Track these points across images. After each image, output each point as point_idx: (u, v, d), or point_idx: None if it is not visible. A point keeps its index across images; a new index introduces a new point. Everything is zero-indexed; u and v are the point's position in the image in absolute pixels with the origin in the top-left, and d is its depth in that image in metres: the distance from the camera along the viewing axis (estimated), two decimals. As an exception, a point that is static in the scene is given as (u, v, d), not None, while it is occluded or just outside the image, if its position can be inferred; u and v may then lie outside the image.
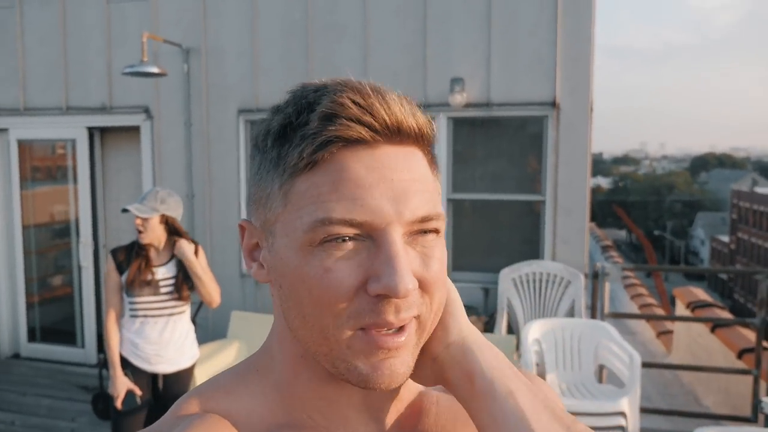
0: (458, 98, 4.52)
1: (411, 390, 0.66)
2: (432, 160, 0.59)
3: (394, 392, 0.62)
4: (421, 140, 0.56)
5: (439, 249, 0.56)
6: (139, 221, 2.84)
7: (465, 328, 0.60)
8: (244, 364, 0.64)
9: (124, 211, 2.85)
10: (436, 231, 0.56)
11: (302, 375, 0.60)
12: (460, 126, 4.80)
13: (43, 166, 5.91)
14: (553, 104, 4.48)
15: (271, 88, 5.03)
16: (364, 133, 0.52)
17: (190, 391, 0.62)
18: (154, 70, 4.39)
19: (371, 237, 0.52)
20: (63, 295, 5.83)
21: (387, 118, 0.52)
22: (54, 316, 5.88)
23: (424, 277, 0.54)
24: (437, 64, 4.67)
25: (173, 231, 2.95)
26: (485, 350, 0.58)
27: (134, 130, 5.42)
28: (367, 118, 0.52)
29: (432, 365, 0.59)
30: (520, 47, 4.53)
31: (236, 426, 0.57)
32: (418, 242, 0.54)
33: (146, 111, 5.31)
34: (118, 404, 2.82)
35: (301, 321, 0.55)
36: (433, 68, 4.68)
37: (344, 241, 0.52)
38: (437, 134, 0.60)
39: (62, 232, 5.80)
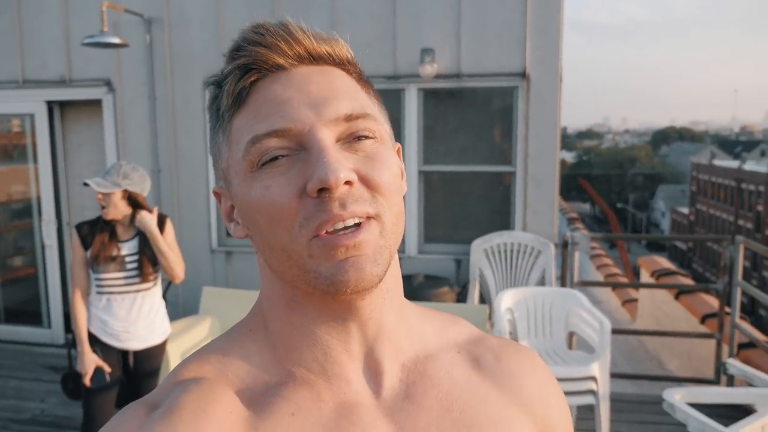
0: (428, 69, 4.49)
1: (418, 345, 0.64)
2: (363, 81, 0.61)
3: (392, 338, 0.61)
4: (340, 62, 0.58)
5: (384, 154, 0.56)
6: (100, 196, 2.76)
7: None
8: (238, 326, 0.64)
9: (85, 185, 2.76)
10: (374, 136, 0.56)
11: (294, 322, 0.59)
12: (430, 97, 4.78)
13: (-1, 145, 5.70)
14: (523, 75, 4.49)
15: (237, 60, 4.91)
16: (273, 56, 0.55)
17: (187, 356, 0.62)
18: (115, 40, 4.24)
19: (303, 147, 0.54)
20: (26, 275, 5.67)
21: (293, 42, 0.56)
22: (18, 297, 5.73)
23: (371, 177, 0.54)
24: (407, 34, 4.62)
25: (137, 206, 2.86)
26: None
27: (96, 103, 5.25)
28: (273, 41, 0.55)
29: None
30: (489, 18, 4.51)
31: (233, 387, 0.57)
32: (357, 148, 0.55)
33: (108, 84, 5.15)
34: (87, 381, 2.77)
35: (269, 251, 0.56)
36: (403, 39, 4.63)
37: (278, 158, 0.54)
38: (357, 63, 0.61)
39: (23, 211, 5.63)
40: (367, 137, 0.56)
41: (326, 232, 0.52)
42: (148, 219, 2.81)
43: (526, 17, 4.43)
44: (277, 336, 0.60)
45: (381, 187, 0.54)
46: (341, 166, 0.51)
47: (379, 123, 0.57)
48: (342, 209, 0.52)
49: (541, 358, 0.71)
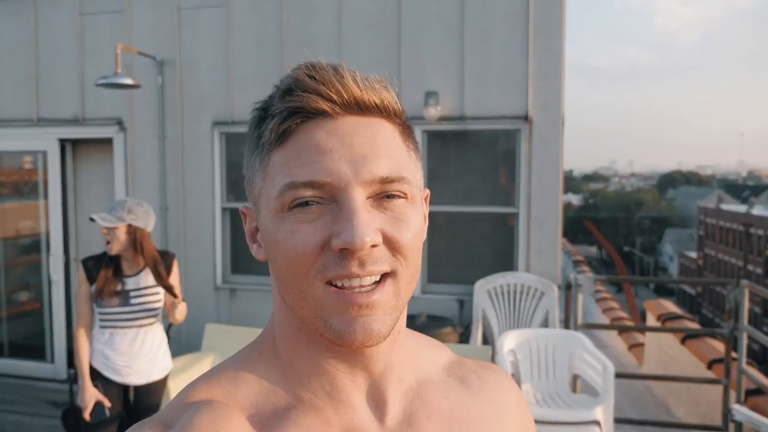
0: (432, 111, 4.58)
1: (418, 374, 0.67)
2: (405, 133, 0.62)
3: (395, 372, 0.63)
4: (386, 113, 0.59)
5: (411, 215, 0.58)
6: (105, 231, 2.81)
7: None
8: (248, 349, 0.66)
9: (91, 220, 2.82)
10: (405, 196, 0.58)
11: (302, 351, 0.61)
12: (435, 139, 4.86)
13: (10, 182, 5.80)
14: (526, 118, 4.57)
15: (246, 101, 5.03)
16: (321, 103, 0.56)
17: (196, 378, 0.63)
18: (128, 81, 4.37)
19: (335, 200, 0.55)
20: (32, 309, 5.69)
21: (342, 90, 0.56)
22: (23, 331, 5.75)
23: (395, 238, 0.56)
24: (411, 77, 4.73)
25: (136, 242, 2.88)
26: None
27: (107, 142, 5.37)
28: (323, 89, 0.56)
29: None
30: (492, 62, 4.62)
31: (243, 410, 0.58)
32: (386, 206, 0.57)
33: (119, 123, 5.27)
34: (87, 416, 2.76)
35: (284, 287, 0.58)
36: (407, 82, 4.74)
37: (309, 204, 0.55)
38: (404, 111, 0.62)
39: (32, 246, 5.69)
40: (398, 197, 0.57)
41: (342, 286, 0.55)
42: (183, 311, 2.88)
43: (528, 62, 4.54)
44: (286, 360, 0.62)
45: (402, 247, 0.57)
46: (368, 230, 0.53)
47: (412, 185, 0.58)
48: (360, 269, 0.54)
49: (506, 374, 0.77)
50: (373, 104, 0.58)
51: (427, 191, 0.67)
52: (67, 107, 5.35)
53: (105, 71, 4.92)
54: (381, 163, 0.56)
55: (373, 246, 0.54)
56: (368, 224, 0.54)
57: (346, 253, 0.54)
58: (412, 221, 0.58)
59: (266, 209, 0.59)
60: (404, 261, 0.57)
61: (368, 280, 0.55)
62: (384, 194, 0.57)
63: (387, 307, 0.56)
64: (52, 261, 5.42)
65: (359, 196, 0.55)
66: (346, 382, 0.61)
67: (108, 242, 2.81)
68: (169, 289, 2.92)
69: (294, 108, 0.56)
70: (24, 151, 5.58)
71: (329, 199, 0.55)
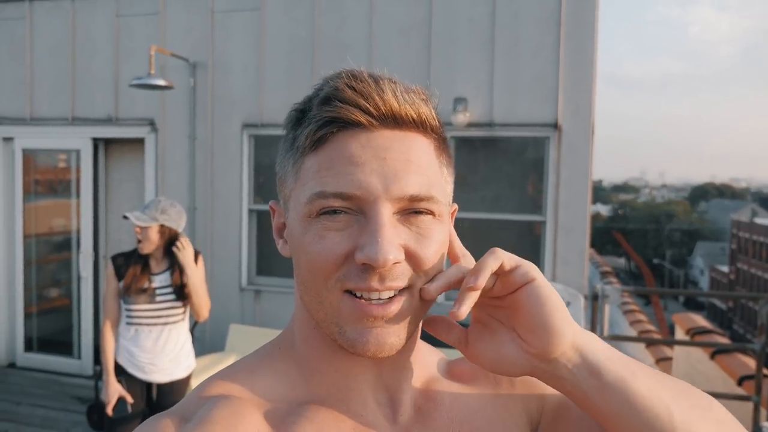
0: (461, 118, 4.56)
1: (425, 373, 0.69)
2: (440, 148, 0.61)
3: (406, 372, 0.65)
4: (422, 127, 0.59)
5: (436, 231, 0.59)
6: (137, 230, 2.85)
7: (575, 329, 0.59)
8: (269, 345, 0.67)
9: (125, 217, 2.86)
10: (432, 213, 0.58)
11: (318, 348, 0.63)
12: (462, 146, 4.84)
13: (45, 180, 5.94)
14: (555, 125, 4.52)
15: (275, 104, 5.07)
16: (358, 115, 0.56)
17: (218, 372, 0.64)
18: (161, 83, 4.44)
19: (362, 211, 0.56)
20: (61, 305, 5.81)
21: (380, 104, 0.56)
22: (52, 327, 5.86)
23: (417, 255, 0.57)
24: (440, 83, 4.72)
25: (171, 242, 2.94)
26: (597, 344, 0.60)
27: (139, 142, 5.46)
28: (362, 102, 0.56)
29: (545, 365, 0.59)
30: (522, 68, 4.58)
31: (258, 405, 0.59)
32: (412, 222, 0.57)
33: (151, 123, 5.36)
34: (109, 410, 2.80)
35: (304, 288, 0.60)
36: (437, 88, 4.61)
37: (337, 213, 0.56)
38: (441, 124, 0.62)
39: (63, 243, 5.81)
40: (425, 213, 0.58)
41: (360, 296, 0.56)
42: (189, 256, 2.90)
43: (559, 68, 4.49)
44: (303, 356, 0.64)
45: (423, 263, 0.57)
46: (392, 248, 0.54)
47: (440, 203, 0.59)
48: (380, 283, 0.55)
49: None
50: (410, 119, 0.58)
51: (455, 206, 0.69)
52: (101, 107, 5.46)
53: (139, 72, 5.01)
54: (411, 180, 0.56)
55: (396, 263, 0.55)
56: (392, 242, 0.54)
57: (368, 267, 0.55)
58: (436, 237, 0.59)
59: (295, 211, 0.60)
60: (424, 276, 0.58)
61: (386, 294, 0.56)
62: (411, 210, 0.57)
63: (402, 321, 0.57)
64: (82, 258, 5.53)
65: (386, 212, 0.55)
66: (359, 381, 0.63)
67: (140, 241, 2.86)
68: (184, 288, 2.93)
69: (331, 118, 0.56)
70: (59, 149, 5.70)
71: (357, 210, 0.56)
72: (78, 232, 5.58)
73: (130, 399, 2.84)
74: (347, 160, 0.56)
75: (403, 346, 0.61)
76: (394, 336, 0.57)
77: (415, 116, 0.58)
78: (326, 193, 0.56)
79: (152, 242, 2.86)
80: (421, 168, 0.57)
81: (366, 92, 0.56)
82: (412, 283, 0.57)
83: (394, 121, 0.57)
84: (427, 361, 0.71)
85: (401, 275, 0.56)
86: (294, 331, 0.65)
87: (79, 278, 5.57)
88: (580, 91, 4.48)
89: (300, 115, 0.60)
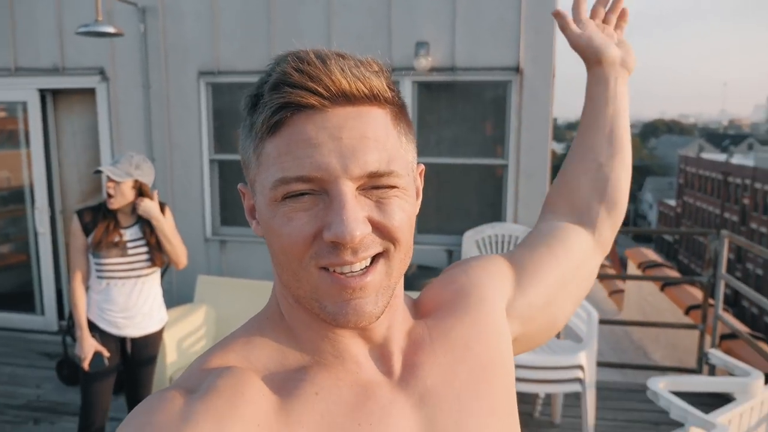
0: (423, 62, 4.54)
1: (407, 321, 0.72)
2: (397, 117, 0.62)
3: (392, 327, 0.68)
4: (376, 100, 0.59)
5: (399, 200, 0.60)
6: (111, 184, 2.79)
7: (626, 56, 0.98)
8: (258, 316, 0.70)
9: (97, 172, 2.79)
10: (395, 187, 0.60)
11: (302, 320, 0.65)
12: (424, 90, 4.83)
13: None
14: (517, 69, 4.55)
15: (232, 51, 4.93)
16: (309, 98, 0.56)
17: (213, 346, 0.66)
18: (110, 30, 4.23)
19: (326, 191, 0.57)
20: (18, 262, 5.68)
21: (329, 84, 0.56)
22: (10, 284, 5.75)
23: (384, 224, 0.59)
24: (402, 27, 4.66)
25: (141, 196, 2.91)
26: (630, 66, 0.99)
27: (89, 92, 5.25)
28: (311, 84, 0.56)
29: (610, 52, 0.95)
30: (484, 12, 4.55)
31: (257, 373, 0.62)
32: (373, 194, 0.59)
33: (101, 72, 5.15)
34: (86, 366, 2.81)
35: (280, 268, 0.62)
36: (398, 32, 4.67)
37: (302, 195, 0.58)
38: (397, 93, 0.63)
39: (15, 197, 5.62)
40: (386, 188, 0.59)
41: (335, 271, 0.58)
42: (152, 206, 2.86)
43: (520, 13, 4.48)
44: (291, 325, 0.66)
45: (392, 231, 0.60)
46: (357, 224, 0.56)
47: (401, 176, 0.60)
48: (353, 256, 0.57)
49: (451, 267, 0.84)
50: (362, 94, 0.58)
51: (422, 167, 0.69)
52: (46, 56, 5.20)
53: (85, 19, 4.76)
54: (370, 157, 0.57)
55: (362, 237, 0.57)
56: (357, 218, 0.56)
57: (338, 244, 0.57)
58: (399, 205, 0.60)
59: (261, 195, 0.61)
60: (396, 245, 0.60)
61: (359, 265, 0.58)
62: (373, 185, 0.59)
63: (379, 288, 0.60)
64: (38, 214, 5.38)
65: (349, 190, 0.57)
66: (349, 344, 0.65)
67: (110, 196, 2.80)
68: (157, 246, 2.92)
69: (283, 103, 0.57)
70: (3, 101, 5.44)
71: (320, 190, 0.58)
72: (31, 186, 5.40)
73: (106, 353, 2.85)
74: (304, 142, 0.57)
75: (389, 309, 0.65)
76: (371, 305, 0.59)
77: (366, 91, 0.58)
78: (288, 179, 0.57)
79: (125, 198, 2.82)
80: (378, 143, 0.58)
81: (313, 74, 0.56)
82: (386, 248, 0.60)
83: (346, 98, 0.57)
84: (407, 307, 0.74)
85: (372, 244, 0.58)
86: (278, 301, 0.68)
87: (36, 234, 5.44)
88: (541, 36, 4.49)
89: (254, 101, 0.61)
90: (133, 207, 2.89)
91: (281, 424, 0.58)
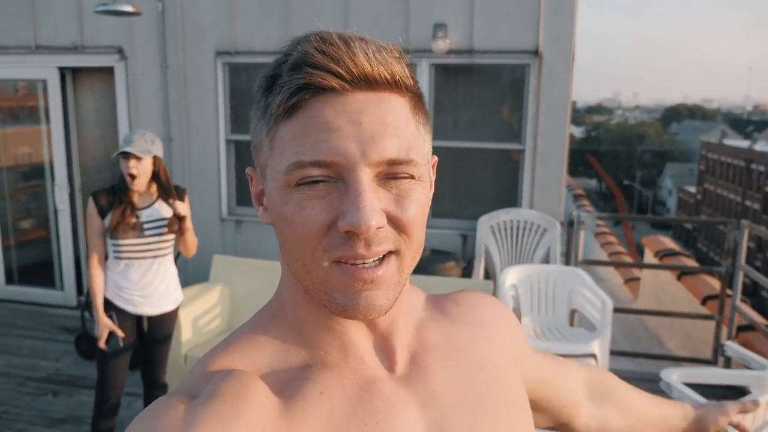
0: (441, 44, 4.49)
1: (413, 318, 0.71)
2: (416, 106, 0.61)
3: (397, 323, 0.67)
4: (397, 87, 0.58)
5: (417, 192, 0.59)
6: (133, 163, 2.80)
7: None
8: (261, 313, 0.69)
9: (123, 154, 2.79)
10: (412, 176, 0.58)
11: (310, 312, 0.64)
12: (442, 73, 4.78)
13: (5, 107, 5.74)
14: (536, 53, 4.48)
15: (249, 31, 4.91)
16: (330, 80, 0.54)
17: (215, 346, 0.65)
18: (128, 8, 4.24)
19: (342, 178, 0.56)
20: (39, 237, 5.77)
21: (352, 67, 0.55)
22: (31, 259, 5.84)
23: (398, 218, 0.57)
24: (420, 9, 4.61)
25: (155, 174, 2.92)
26: None
27: (108, 71, 5.28)
28: (333, 66, 0.54)
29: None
30: (504, -6, 4.48)
31: (261, 374, 0.61)
32: (391, 185, 0.57)
33: (120, 51, 5.16)
34: (102, 345, 2.86)
35: (289, 257, 0.60)
36: (416, 13, 4.61)
37: (316, 182, 0.56)
38: (416, 82, 0.61)
39: (33, 173, 5.69)
40: (405, 176, 0.58)
41: (347, 263, 0.56)
42: (186, 209, 2.93)
43: (540, -6, 4.40)
44: (296, 321, 0.65)
45: (406, 225, 0.58)
46: (374, 213, 0.54)
47: (419, 165, 0.59)
48: (366, 249, 0.56)
49: (486, 294, 0.84)
50: (384, 79, 0.56)
51: (435, 158, 0.68)
52: (65, 35, 5.23)
53: (104, -3, 4.77)
54: (389, 144, 0.56)
55: (379, 228, 0.55)
56: (374, 207, 0.54)
57: (352, 234, 0.55)
58: (416, 199, 0.59)
59: (273, 180, 0.59)
60: (408, 239, 0.58)
61: (373, 259, 0.57)
62: (391, 175, 0.57)
63: (390, 283, 0.58)
64: (57, 191, 5.45)
65: (366, 177, 0.55)
66: (354, 339, 0.64)
67: (133, 176, 2.81)
68: (180, 219, 2.97)
69: (303, 84, 0.55)
70: (23, 79, 5.49)
71: (336, 177, 0.56)
72: (51, 163, 5.46)
73: (120, 333, 2.89)
74: (322, 126, 0.55)
75: (396, 305, 0.63)
76: (382, 298, 0.58)
77: (388, 76, 0.56)
78: (303, 162, 0.55)
79: (147, 175, 2.84)
80: (398, 130, 0.57)
81: (337, 56, 0.55)
82: (398, 248, 0.58)
83: (368, 83, 0.56)
84: (413, 305, 0.73)
85: (386, 239, 0.57)
86: (284, 297, 0.67)
87: (56, 210, 5.51)
88: (561, 18, 4.41)
89: (270, 82, 0.58)
90: (148, 186, 2.91)
91: (286, 425, 0.57)
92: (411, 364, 0.67)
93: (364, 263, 0.56)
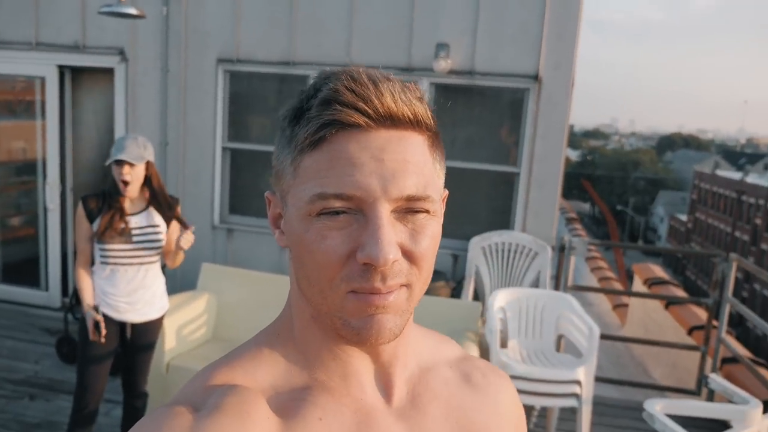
0: (442, 64, 4.51)
1: (418, 364, 0.73)
2: (433, 144, 0.64)
3: (398, 359, 0.69)
4: (418, 126, 0.61)
5: (430, 228, 0.61)
6: (127, 170, 2.78)
7: None
8: (266, 331, 0.70)
9: (119, 161, 2.77)
10: (427, 211, 0.61)
11: (316, 335, 0.66)
12: (441, 92, 4.80)
13: (2, 101, 5.70)
14: (536, 77, 4.51)
15: (252, 40, 4.92)
16: (357, 117, 0.57)
17: (218, 359, 0.66)
18: (132, 11, 4.25)
19: (362, 211, 0.58)
20: (27, 236, 5.72)
21: (379, 106, 0.58)
22: (17, 257, 5.78)
23: (412, 251, 0.60)
24: (423, 28, 4.63)
25: (150, 180, 2.91)
26: None
27: (108, 72, 5.26)
28: (361, 105, 0.57)
29: None
30: (507, 17, 4.52)
31: (263, 392, 0.62)
32: (408, 219, 0.60)
33: (121, 53, 5.16)
34: (92, 335, 2.80)
35: (306, 282, 0.62)
36: (419, 32, 4.64)
37: (337, 213, 0.58)
38: (435, 121, 0.64)
39: (24, 169, 5.65)
40: (421, 212, 0.60)
41: (362, 293, 0.59)
42: (190, 241, 2.89)
43: (543, 19, 4.44)
44: (302, 343, 0.67)
45: (419, 258, 0.60)
46: (391, 247, 0.57)
47: (435, 202, 0.61)
48: (382, 283, 0.58)
49: (509, 379, 0.84)
50: (407, 119, 0.60)
51: (446, 192, 0.70)
52: (67, 33, 5.22)
53: (108, -2, 4.77)
54: (409, 181, 0.58)
55: (395, 261, 0.58)
56: (391, 241, 0.57)
57: (370, 267, 0.57)
58: (429, 233, 0.61)
59: (294, 207, 0.61)
60: (419, 271, 0.61)
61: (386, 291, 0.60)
62: (407, 209, 0.60)
63: (399, 310, 0.61)
64: (48, 189, 5.41)
65: (385, 212, 0.58)
66: (357, 367, 0.66)
67: (126, 183, 2.80)
68: (179, 220, 2.96)
69: (331, 120, 0.58)
70: (22, 75, 5.47)
71: (356, 210, 0.58)
72: (44, 161, 5.43)
73: (103, 331, 2.82)
74: (346, 161, 0.58)
75: (402, 336, 0.65)
76: (392, 323, 0.60)
77: (411, 116, 0.60)
78: (327, 194, 0.58)
79: (140, 180, 2.83)
80: (417, 167, 0.60)
81: (365, 95, 0.58)
82: (410, 282, 0.61)
83: (391, 121, 0.59)
84: (424, 351, 0.74)
85: (400, 273, 0.59)
86: (291, 319, 0.68)
87: (45, 209, 5.47)
88: (563, 43, 4.45)
89: (298, 114, 0.61)
90: (139, 191, 2.89)
91: None
92: (410, 401, 0.69)
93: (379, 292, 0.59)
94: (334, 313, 0.61)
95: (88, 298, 2.86)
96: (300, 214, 0.60)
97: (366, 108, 0.58)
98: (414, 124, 0.60)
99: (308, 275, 0.61)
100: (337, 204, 0.58)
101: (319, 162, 0.59)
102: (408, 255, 0.60)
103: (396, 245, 0.58)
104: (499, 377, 0.80)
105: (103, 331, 2.84)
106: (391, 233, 0.57)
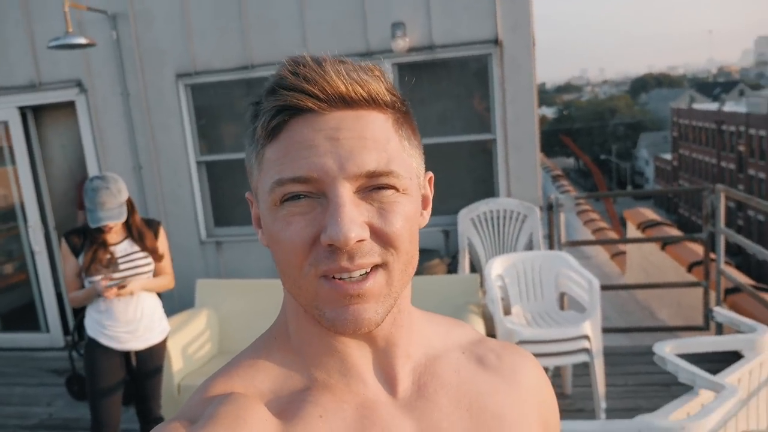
0: (401, 43, 4.47)
1: (426, 353, 0.70)
2: (399, 122, 0.61)
3: (399, 347, 0.66)
4: (376, 104, 0.59)
5: (401, 205, 0.59)
6: (110, 227, 2.77)
7: None
8: (263, 337, 0.69)
9: (102, 228, 2.75)
10: (394, 187, 0.58)
11: (312, 334, 0.64)
12: (405, 71, 4.77)
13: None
14: (496, 42, 4.48)
15: (207, 50, 4.86)
16: (305, 100, 0.56)
17: (216, 371, 0.65)
18: (82, 41, 4.18)
19: (323, 193, 0.57)
20: (19, 281, 5.66)
21: (326, 86, 0.56)
22: (13, 304, 5.74)
23: (383, 230, 0.57)
24: (376, 10, 4.59)
25: (129, 213, 2.88)
26: None
27: (69, 105, 5.19)
28: (306, 86, 0.56)
29: None
30: (458, -14, 4.47)
31: (261, 397, 0.61)
32: (374, 198, 0.58)
33: (79, 84, 5.08)
34: (106, 292, 2.76)
35: (284, 276, 0.61)
36: (373, 15, 4.59)
37: (299, 198, 0.57)
38: (400, 99, 0.61)
39: (9, 216, 5.58)
40: (387, 188, 0.58)
41: (333, 277, 0.57)
42: (135, 288, 2.87)
43: (494, -17, 4.40)
44: (299, 343, 0.65)
45: (392, 239, 0.58)
46: (353, 225, 0.55)
47: (401, 177, 0.59)
48: (350, 262, 0.56)
49: (534, 357, 0.78)
50: (361, 97, 0.58)
51: (430, 174, 0.69)
52: (21, 73, 5.13)
53: (56, 31, 4.68)
54: (368, 156, 0.57)
55: (360, 240, 0.56)
56: (353, 220, 0.55)
57: (334, 248, 0.56)
58: (401, 211, 0.59)
59: (263, 201, 0.61)
60: (396, 252, 0.58)
61: (358, 273, 0.57)
62: (372, 187, 0.58)
63: (379, 297, 0.58)
64: (32, 232, 5.35)
65: (346, 191, 0.56)
66: (356, 361, 0.64)
67: (111, 228, 2.78)
68: (153, 252, 2.92)
69: (280, 106, 0.57)
70: (-16, 122, 5.38)
71: (318, 193, 0.57)
72: (22, 204, 5.36)
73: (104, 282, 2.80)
74: (301, 144, 0.56)
75: (390, 321, 0.63)
76: (371, 311, 0.58)
77: (364, 94, 0.58)
78: (284, 180, 0.57)
79: (123, 219, 2.80)
80: (377, 144, 0.57)
81: (309, 76, 0.56)
82: (385, 261, 0.58)
83: (344, 101, 0.57)
84: (431, 338, 0.71)
85: (369, 252, 0.57)
86: (287, 320, 0.67)
87: (32, 252, 5.41)
88: (517, 4, 4.41)
89: (256, 108, 0.61)
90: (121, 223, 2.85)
91: None
92: (417, 392, 0.66)
93: (350, 277, 0.57)
94: (310, 303, 0.59)
95: (84, 292, 2.84)
96: (267, 207, 0.60)
97: (312, 89, 0.56)
98: (370, 102, 0.58)
99: (282, 268, 0.60)
100: (296, 188, 0.57)
101: (277, 151, 0.58)
102: (379, 234, 0.57)
103: (360, 224, 0.56)
104: (518, 356, 0.75)
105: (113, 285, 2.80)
106: (353, 212, 0.55)
